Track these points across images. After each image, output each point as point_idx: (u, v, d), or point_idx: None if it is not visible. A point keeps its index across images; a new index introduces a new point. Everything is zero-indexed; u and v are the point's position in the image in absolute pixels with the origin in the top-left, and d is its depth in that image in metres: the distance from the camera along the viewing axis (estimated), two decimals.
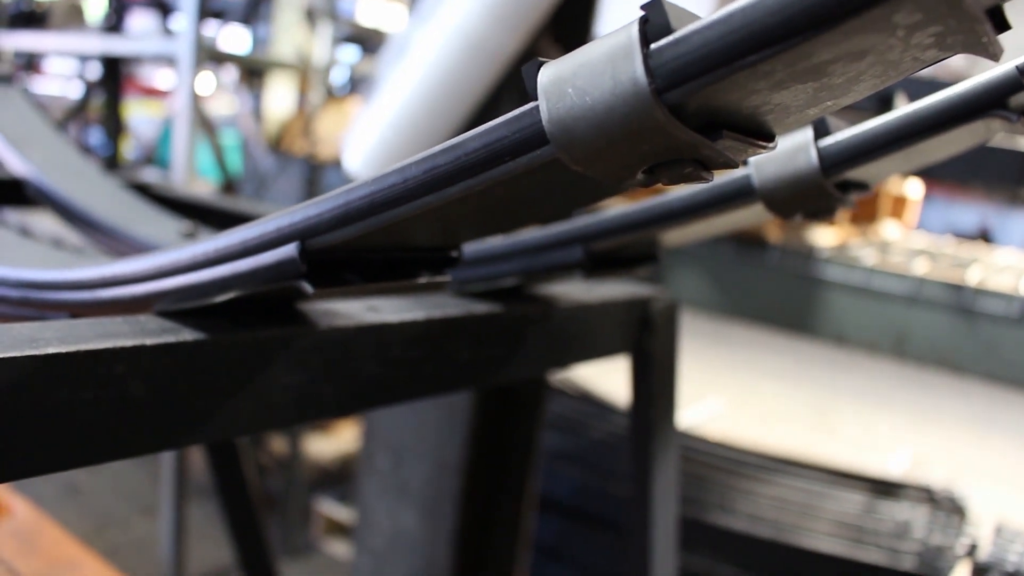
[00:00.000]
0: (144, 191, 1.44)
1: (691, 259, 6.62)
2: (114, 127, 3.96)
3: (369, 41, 6.31)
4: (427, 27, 1.76)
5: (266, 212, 0.86)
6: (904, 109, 0.58)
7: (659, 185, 0.43)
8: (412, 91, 1.77)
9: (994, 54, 0.33)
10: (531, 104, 0.40)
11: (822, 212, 0.67)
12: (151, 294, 0.63)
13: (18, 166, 1.22)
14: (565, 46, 1.77)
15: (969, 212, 13.46)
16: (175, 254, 0.61)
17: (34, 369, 0.49)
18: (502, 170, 0.43)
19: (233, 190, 3.58)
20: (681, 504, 1.62)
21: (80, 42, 3.58)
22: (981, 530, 2.32)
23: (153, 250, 0.68)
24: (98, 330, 0.55)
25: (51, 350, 0.50)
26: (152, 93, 8.91)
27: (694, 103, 0.35)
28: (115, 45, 3.22)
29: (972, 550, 2.18)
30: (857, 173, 0.64)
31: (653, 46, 0.35)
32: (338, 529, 3.69)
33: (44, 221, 1.26)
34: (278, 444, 4.05)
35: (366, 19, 6.40)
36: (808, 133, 0.62)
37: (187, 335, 0.57)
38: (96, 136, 5.16)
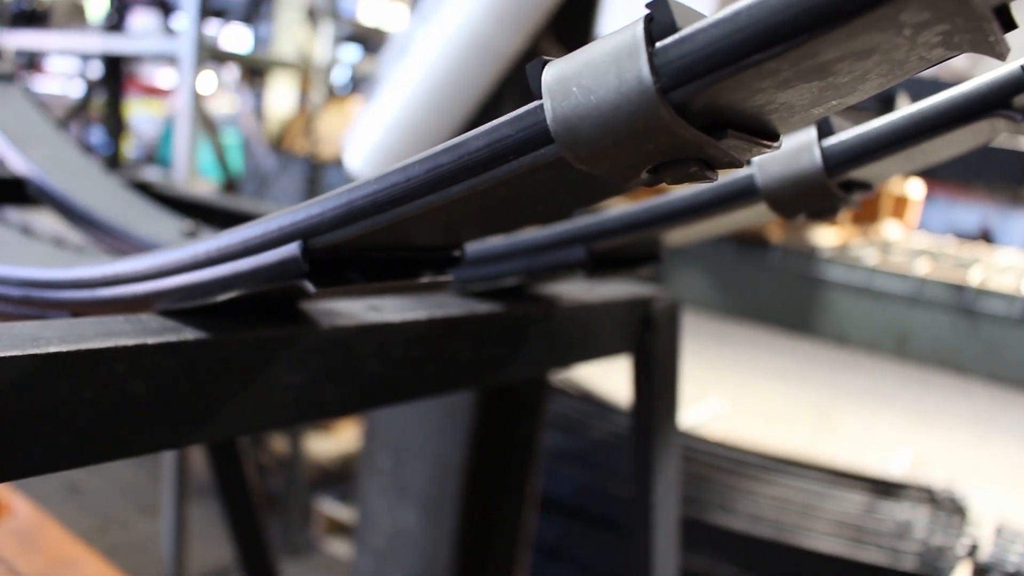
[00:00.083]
0: (145, 190, 1.44)
1: (693, 259, 6.61)
2: (115, 126, 3.97)
3: (370, 40, 6.31)
4: (429, 26, 1.75)
5: (267, 211, 0.85)
6: (909, 108, 0.58)
7: (661, 184, 0.42)
8: (413, 91, 1.77)
9: (1001, 53, 0.33)
10: (535, 103, 0.40)
11: (825, 212, 0.67)
12: (152, 293, 0.62)
13: (19, 165, 1.22)
14: (567, 46, 1.77)
15: (971, 212, 13.46)
16: (176, 253, 0.60)
17: (35, 368, 0.49)
18: (505, 169, 0.42)
19: (234, 189, 3.58)
20: (682, 504, 1.62)
21: (81, 41, 3.58)
22: (982, 530, 2.32)
23: (154, 249, 0.67)
24: (99, 329, 0.55)
25: (52, 349, 0.50)
26: (153, 92, 8.91)
27: (699, 102, 0.35)
28: (116, 44, 3.22)
29: (973, 550, 2.18)
30: (861, 173, 0.64)
31: (658, 44, 0.34)
32: (339, 529, 3.69)
33: (45, 220, 1.26)
34: (279, 443, 4.06)
35: (368, 18, 6.41)
36: (812, 133, 0.62)
37: (188, 334, 0.57)
38: (97, 135, 5.16)
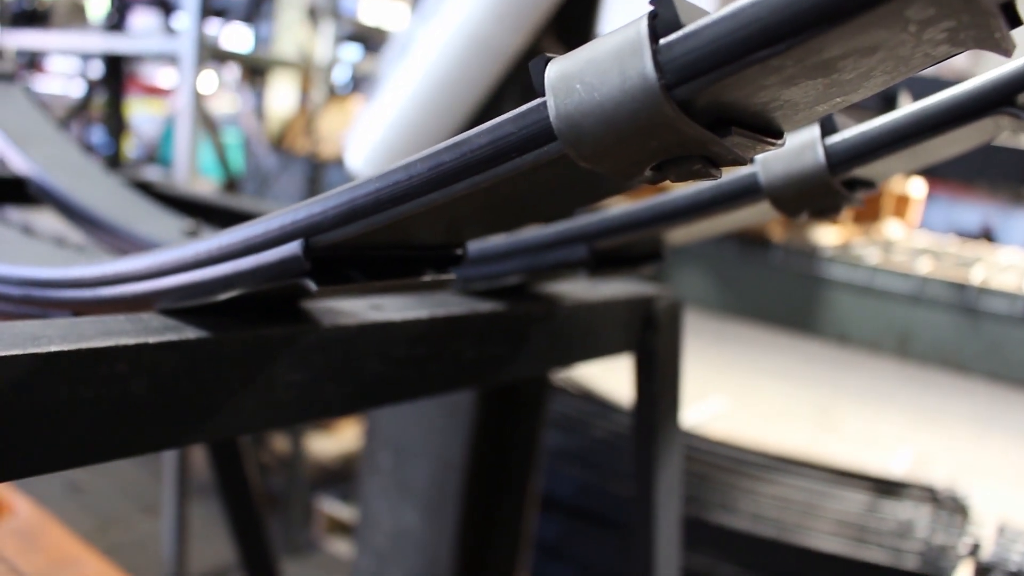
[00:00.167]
0: (146, 189, 1.44)
1: (695, 258, 6.61)
2: (116, 125, 3.96)
3: (371, 39, 6.31)
4: (429, 25, 1.75)
5: (268, 210, 0.85)
6: (913, 106, 0.58)
7: (664, 183, 0.42)
8: (414, 90, 1.77)
9: (1007, 50, 0.32)
10: (538, 100, 0.40)
11: (829, 210, 0.66)
12: (153, 292, 0.62)
13: (20, 164, 1.22)
14: (568, 44, 1.77)
15: (973, 211, 13.45)
16: (178, 252, 0.60)
17: (36, 367, 0.49)
18: (509, 167, 0.42)
19: (235, 188, 3.58)
20: (684, 503, 1.62)
21: (82, 40, 3.58)
22: (984, 530, 2.32)
23: (155, 248, 0.67)
24: (100, 328, 0.55)
25: (53, 348, 0.50)
26: (154, 91, 8.92)
27: (703, 99, 0.34)
28: (117, 43, 3.21)
29: (975, 550, 2.18)
30: (864, 171, 0.63)
31: (662, 41, 0.34)
32: (340, 528, 3.69)
33: (46, 219, 1.26)
34: (280, 443, 4.06)
35: (368, 17, 6.41)
36: (815, 130, 0.62)
37: (190, 333, 0.57)
38: (98, 134, 5.16)
